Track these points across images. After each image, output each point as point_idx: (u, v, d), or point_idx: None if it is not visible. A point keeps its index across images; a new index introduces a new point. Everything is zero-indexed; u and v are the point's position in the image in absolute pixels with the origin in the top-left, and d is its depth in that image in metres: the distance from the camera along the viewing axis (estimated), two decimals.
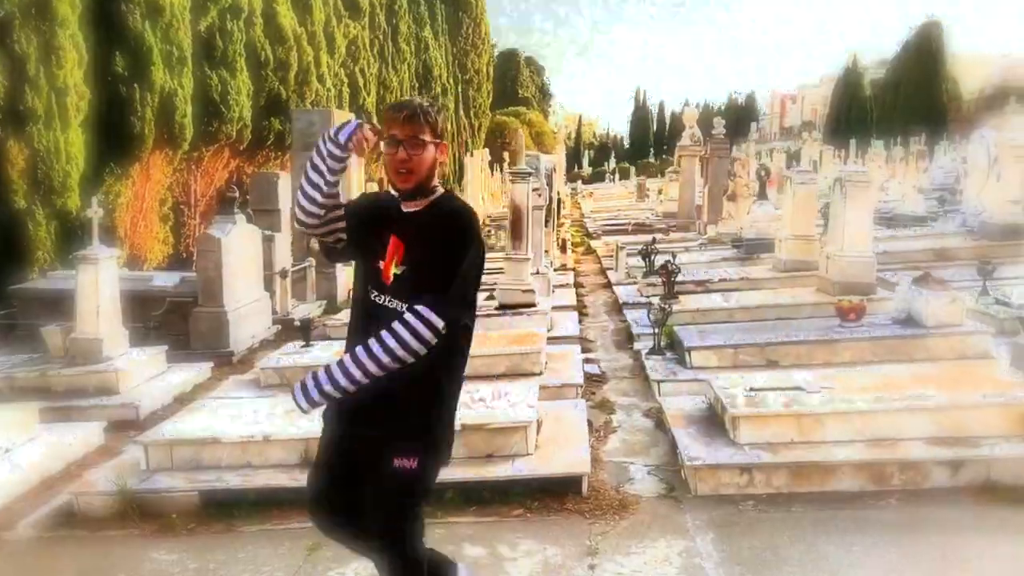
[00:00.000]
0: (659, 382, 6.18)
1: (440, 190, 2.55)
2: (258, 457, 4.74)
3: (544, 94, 64.15)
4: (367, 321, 2.47)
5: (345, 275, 11.10)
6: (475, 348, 6.51)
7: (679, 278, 8.98)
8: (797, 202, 10.12)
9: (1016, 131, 11.79)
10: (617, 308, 9.69)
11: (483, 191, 27.07)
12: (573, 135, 72.92)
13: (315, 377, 2.45)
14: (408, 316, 2.34)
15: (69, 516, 4.45)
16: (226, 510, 4.39)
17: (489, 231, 18.03)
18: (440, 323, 2.34)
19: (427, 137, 2.44)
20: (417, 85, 28.15)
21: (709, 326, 7.36)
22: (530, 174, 8.52)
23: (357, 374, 2.38)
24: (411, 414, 2.47)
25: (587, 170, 61.18)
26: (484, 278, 9.24)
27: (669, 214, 19.90)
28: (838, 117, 54.98)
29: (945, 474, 4.29)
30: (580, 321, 8.84)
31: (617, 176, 50.66)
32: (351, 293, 2.76)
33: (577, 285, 11.57)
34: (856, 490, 4.31)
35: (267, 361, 6.86)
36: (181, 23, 12.27)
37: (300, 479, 4.48)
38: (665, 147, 68.16)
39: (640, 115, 76.92)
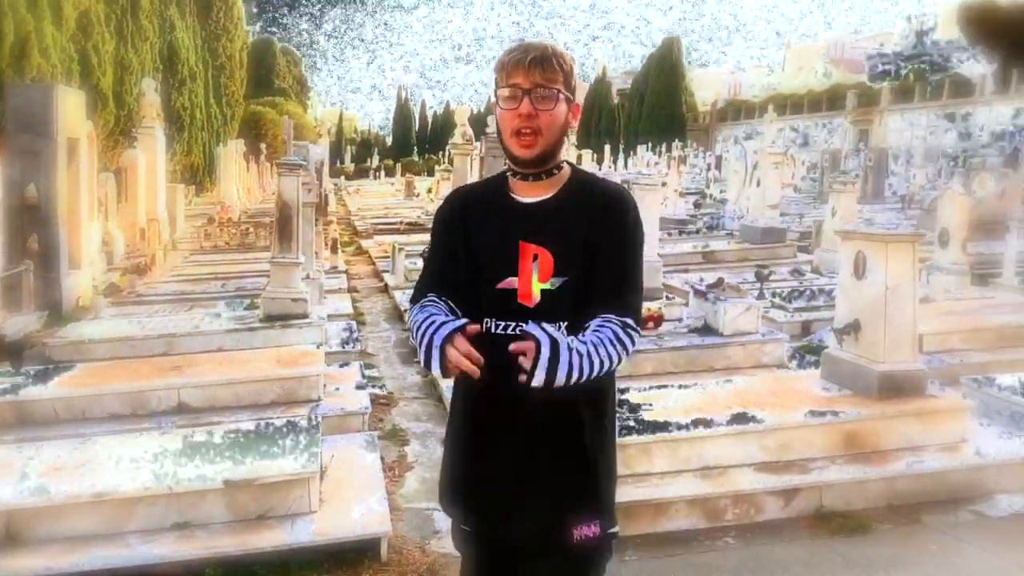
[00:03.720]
0: None
1: (567, 168, 1.92)
2: None
3: (303, 86, 61.59)
4: (490, 361, 1.74)
5: (72, 279, 9.41)
6: (238, 373, 5.49)
7: None
8: None
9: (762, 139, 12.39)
10: (398, 316, 8.91)
11: (238, 184, 25.18)
12: (334, 130, 70.76)
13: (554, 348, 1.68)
14: (623, 332, 1.78)
15: None
16: None
17: (247, 229, 16.54)
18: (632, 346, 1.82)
19: (561, 88, 1.82)
20: (161, 67, 25.54)
21: None
22: (300, 166, 7.50)
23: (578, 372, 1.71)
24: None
25: (350, 166, 59.58)
26: (243, 283, 7.99)
27: None
28: (588, 123, 57.68)
29: (778, 504, 3.96)
30: (358, 331, 7.96)
31: (382, 173, 49.69)
32: None
33: (351, 290, 10.64)
34: (689, 528, 3.87)
35: None
36: None
37: None
38: (427, 145, 68.14)
39: (402, 112, 76.20)
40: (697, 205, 19.45)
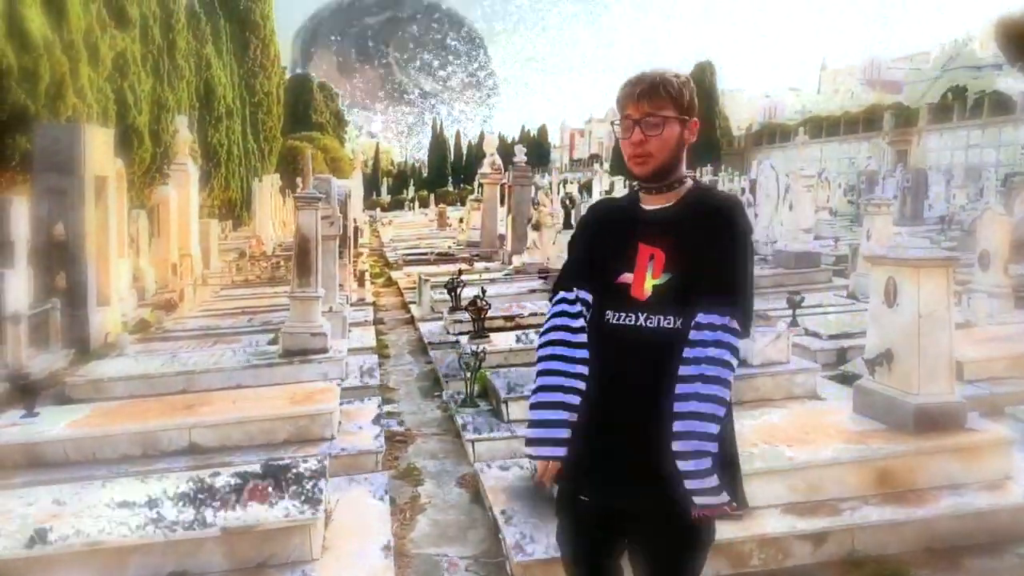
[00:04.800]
0: (473, 441, 5.31)
1: (689, 182, 2.16)
2: None
3: (340, 120, 62.46)
4: (604, 348, 2.12)
5: (100, 316, 9.45)
6: (250, 411, 5.39)
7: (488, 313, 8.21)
8: None
9: (804, 162, 12.14)
10: (422, 348, 8.78)
11: (274, 218, 25.43)
12: (371, 162, 71.55)
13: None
14: (714, 350, 1.94)
15: None
16: None
17: (278, 263, 16.62)
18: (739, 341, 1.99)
19: (669, 113, 2.07)
20: (198, 105, 25.99)
21: (524, 369, 6.59)
22: (319, 199, 7.44)
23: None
24: None
25: (386, 198, 60.11)
26: (270, 317, 7.90)
27: (472, 243, 19.30)
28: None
29: (807, 549, 3.72)
30: (380, 365, 7.85)
31: (416, 204, 50.05)
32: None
33: (377, 322, 10.56)
34: (712, 575, 3.64)
35: None
36: None
37: None
38: (462, 175, 68.58)
39: (437, 143, 76.94)
40: None
